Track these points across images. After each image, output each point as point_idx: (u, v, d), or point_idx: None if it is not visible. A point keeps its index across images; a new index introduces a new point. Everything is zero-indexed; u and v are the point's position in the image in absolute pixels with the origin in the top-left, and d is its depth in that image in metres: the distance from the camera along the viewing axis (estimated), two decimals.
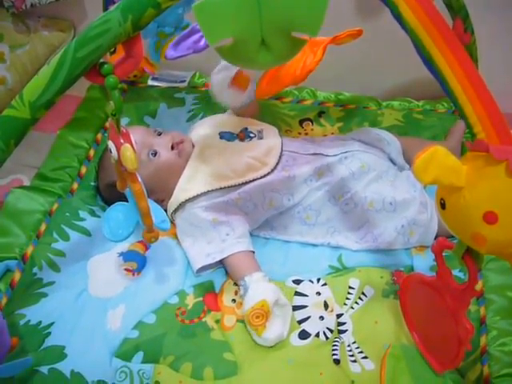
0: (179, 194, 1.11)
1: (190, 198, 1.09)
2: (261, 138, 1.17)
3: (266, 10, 0.62)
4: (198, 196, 1.09)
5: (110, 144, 0.81)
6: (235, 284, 1.06)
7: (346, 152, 1.16)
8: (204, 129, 1.21)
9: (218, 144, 1.15)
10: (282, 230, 1.15)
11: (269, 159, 1.11)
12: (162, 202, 1.12)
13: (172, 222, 1.13)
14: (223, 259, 1.06)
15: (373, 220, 1.12)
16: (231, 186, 1.09)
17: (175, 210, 1.13)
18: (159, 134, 1.17)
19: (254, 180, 1.09)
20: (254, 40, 0.64)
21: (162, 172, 1.12)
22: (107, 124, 1.41)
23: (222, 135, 1.17)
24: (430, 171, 0.62)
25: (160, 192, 1.12)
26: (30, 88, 0.69)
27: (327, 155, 1.15)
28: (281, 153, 1.13)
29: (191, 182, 1.11)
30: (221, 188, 1.09)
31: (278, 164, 1.11)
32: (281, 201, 1.11)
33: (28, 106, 0.69)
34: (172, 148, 1.15)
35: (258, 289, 0.99)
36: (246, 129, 1.18)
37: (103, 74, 0.72)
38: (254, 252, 1.08)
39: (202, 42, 0.83)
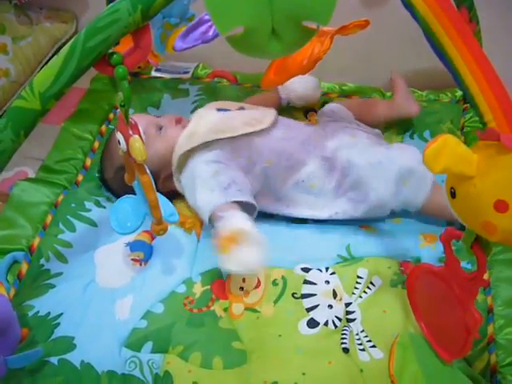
0: (178, 149, 1.13)
1: (188, 151, 1.11)
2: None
3: None
4: (196, 148, 1.11)
5: (119, 135, 0.81)
6: None
7: (334, 131, 1.21)
8: (203, 109, 1.25)
9: (215, 113, 1.19)
10: (288, 201, 1.16)
11: (265, 119, 1.16)
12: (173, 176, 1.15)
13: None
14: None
15: (370, 175, 1.12)
16: (228, 138, 1.11)
17: (178, 170, 1.14)
18: (159, 117, 1.22)
19: (251, 135, 1.13)
20: (264, 29, 0.64)
21: (170, 144, 1.14)
22: (111, 115, 1.41)
23: (219, 110, 1.20)
24: (441, 160, 0.62)
25: (169, 166, 1.14)
26: (39, 79, 0.69)
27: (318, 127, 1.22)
28: (276, 117, 1.18)
29: (188, 140, 1.13)
30: (218, 140, 1.11)
31: (273, 125, 1.16)
32: (279, 159, 1.13)
33: (38, 96, 0.68)
34: (176, 123, 1.19)
35: (240, 219, 0.97)
36: (243, 107, 1.22)
37: (112, 64, 0.72)
38: (256, 208, 1.08)
39: (210, 33, 0.83)
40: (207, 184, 1.08)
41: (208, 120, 1.16)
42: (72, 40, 0.68)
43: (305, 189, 1.14)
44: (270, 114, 1.18)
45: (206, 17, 0.83)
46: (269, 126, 1.15)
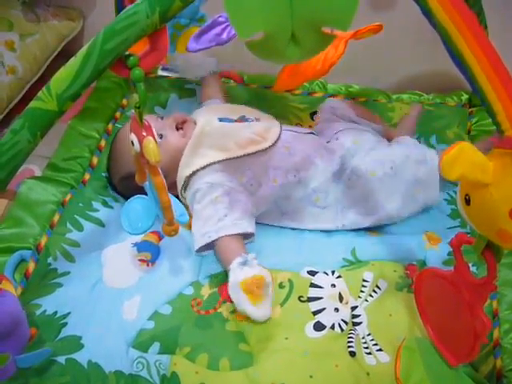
0: (182, 170, 1.11)
1: (193, 172, 1.09)
2: (259, 121, 1.18)
3: (297, 4, 0.62)
4: (201, 170, 1.09)
5: (132, 136, 0.81)
6: None
7: (336, 133, 1.20)
8: (204, 112, 1.21)
9: (217, 124, 1.15)
10: (293, 215, 1.15)
11: (269, 135, 1.13)
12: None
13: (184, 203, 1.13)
14: (217, 240, 1.04)
15: (378, 189, 1.13)
16: (233, 159, 1.09)
17: (184, 188, 1.12)
18: (161, 119, 1.18)
19: (255, 154, 1.10)
20: (284, 35, 0.64)
21: (171, 153, 1.12)
22: (118, 114, 1.41)
23: (221, 119, 1.17)
24: (458, 167, 0.62)
25: (172, 174, 1.12)
26: (57, 80, 0.69)
27: (318, 134, 1.21)
28: (280, 131, 1.15)
29: (193, 157, 1.11)
30: (223, 160, 1.09)
31: (278, 140, 1.13)
32: (285, 177, 1.12)
33: (55, 98, 0.69)
34: (177, 129, 1.16)
35: (258, 268, 0.98)
36: (244, 116, 1.19)
37: (129, 66, 0.72)
38: (253, 234, 1.08)
39: (225, 35, 0.83)
40: (204, 211, 1.07)
41: (211, 134, 1.13)
42: (90, 42, 0.68)
43: (310, 202, 1.14)
44: (274, 127, 1.16)
45: (221, 18, 0.83)
46: (273, 143, 1.13)
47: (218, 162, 1.09)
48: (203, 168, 1.09)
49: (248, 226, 1.07)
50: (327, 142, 1.20)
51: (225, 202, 1.07)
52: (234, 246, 1.04)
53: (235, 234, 1.05)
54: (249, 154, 1.10)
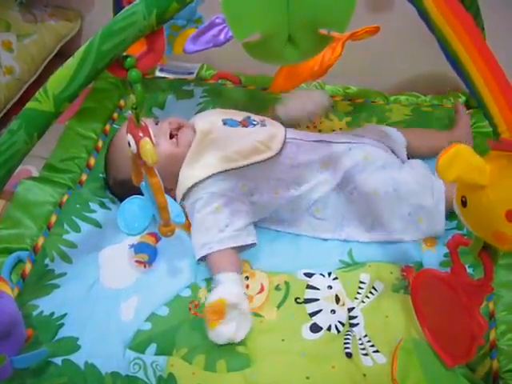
0: (183, 181, 1.10)
1: (195, 184, 1.08)
2: (264, 126, 1.16)
3: (294, 5, 0.62)
4: (202, 181, 1.08)
5: (129, 137, 0.81)
6: (246, 278, 1.06)
7: (351, 143, 1.17)
8: (206, 117, 1.19)
9: (221, 129, 1.13)
10: (292, 222, 1.15)
11: (273, 144, 1.10)
12: (170, 191, 1.10)
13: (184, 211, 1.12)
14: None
15: (379, 208, 1.12)
16: (236, 169, 1.07)
17: (183, 198, 1.11)
18: (157, 124, 1.16)
19: (258, 163, 1.08)
20: (281, 36, 0.64)
21: (163, 162, 1.05)
22: (115, 114, 1.41)
23: (225, 122, 1.15)
24: (454, 169, 0.63)
25: (165, 182, 1.11)
26: (54, 81, 0.69)
27: (331, 142, 1.16)
28: (284, 139, 1.12)
29: (195, 168, 1.09)
30: (225, 170, 1.07)
31: (282, 150, 1.10)
32: (287, 189, 1.11)
33: (52, 98, 0.69)
34: (171, 136, 1.13)
35: (227, 288, 0.98)
36: (249, 117, 1.17)
37: (126, 67, 0.72)
38: (255, 244, 1.08)
39: (222, 36, 0.83)
40: (204, 221, 1.06)
41: (214, 139, 1.10)
42: (87, 42, 0.68)
43: (309, 213, 1.14)
44: (279, 134, 1.12)
45: (218, 20, 0.83)
46: (277, 153, 1.10)
47: (220, 172, 1.07)
48: (205, 179, 1.08)
49: (249, 237, 1.07)
50: (337, 143, 1.16)
51: (226, 212, 1.06)
52: (225, 259, 1.03)
53: (234, 247, 1.05)
54: (251, 164, 1.08)
